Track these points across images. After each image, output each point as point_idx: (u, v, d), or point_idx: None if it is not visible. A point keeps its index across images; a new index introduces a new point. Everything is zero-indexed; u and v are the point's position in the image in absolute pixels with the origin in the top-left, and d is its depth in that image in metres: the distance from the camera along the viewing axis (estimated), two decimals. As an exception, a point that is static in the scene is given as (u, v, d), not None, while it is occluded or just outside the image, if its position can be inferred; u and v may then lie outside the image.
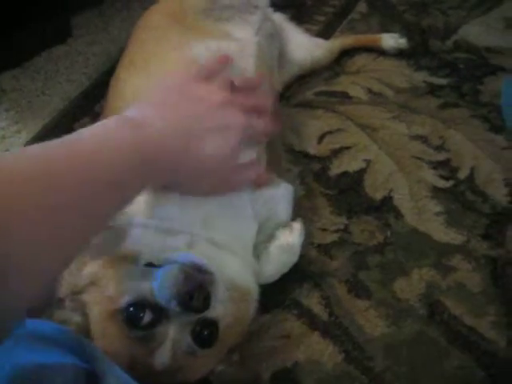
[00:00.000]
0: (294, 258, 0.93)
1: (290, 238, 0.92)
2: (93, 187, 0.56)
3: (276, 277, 0.92)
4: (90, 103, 1.28)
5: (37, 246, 0.50)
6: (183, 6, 1.09)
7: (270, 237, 0.92)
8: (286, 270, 0.93)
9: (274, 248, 0.91)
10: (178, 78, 0.80)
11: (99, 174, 0.58)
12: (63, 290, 0.74)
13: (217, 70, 0.83)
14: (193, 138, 0.71)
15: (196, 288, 0.67)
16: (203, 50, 0.96)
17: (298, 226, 0.94)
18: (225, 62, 0.86)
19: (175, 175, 0.73)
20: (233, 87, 0.81)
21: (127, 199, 0.64)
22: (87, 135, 0.61)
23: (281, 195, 0.96)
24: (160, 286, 0.68)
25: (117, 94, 0.98)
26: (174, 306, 0.67)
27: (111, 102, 0.98)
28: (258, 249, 0.91)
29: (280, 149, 1.17)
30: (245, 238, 0.87)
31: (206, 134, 0.73)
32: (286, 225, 0.94)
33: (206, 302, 0.68)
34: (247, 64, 1.00)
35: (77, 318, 0.72)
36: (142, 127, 0.66)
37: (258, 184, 0.88)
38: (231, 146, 0.76)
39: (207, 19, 1.06)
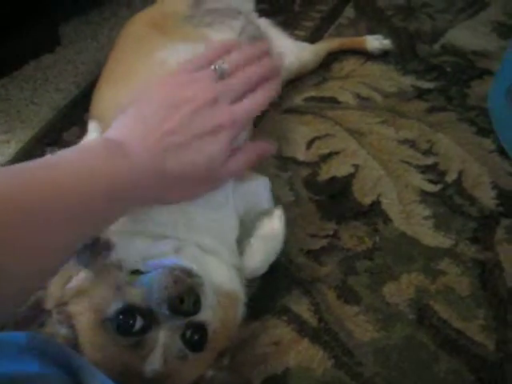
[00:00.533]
0: (279, 246, 0.92)
1: (272, 224, 0.92)
2: (62, 218, 0.56)
3: (264, 269, 0.91)
4: (78, 112, 1.27)
5: None
6: (165, 14, 1.09)
7: (252, 229, 0.92)
8: (272, 258, 0.92)
9: (257, 238, 0.90)
10: (163, 80, 0.76)
11: (69, 205, 0.57)
12: (50, 302, 0.75)
13: (212, 59, 0.77)
14: (177, 154, 0.69)
15: (186, 291, 0.67)
16: (181, 56, 0.96)
17: (277, 211, 0.93)
18: (226, 50, 0.79)
19: (158, 198, 0.72)
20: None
21: (99, 228, 0.66)
22: (62, 163, 0.61)
23: (258, 186, 0.96)
24: (150, 291, 0.68)
25: (98, 105, 0.98)
26: (164, 310, 0.67)
27: (93, 113, 0.99)
28: (242, 244, 0.90)
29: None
30: (228, 238, 0.87)
31: (192, 144, 0.70)
32: (265, 213, 0.94)
33: (197, 306, 0.69)
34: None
35: (63, 330, 0.72)
36: (120, 157, 0.64)
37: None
38: (220, 148, 0.72)
39: (188, 25, 1.07)
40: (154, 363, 0.68)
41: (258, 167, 1.05)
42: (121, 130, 0.69)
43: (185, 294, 0.67)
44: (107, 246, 0.74)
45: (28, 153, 1.19)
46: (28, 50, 1.44)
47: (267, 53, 0.83)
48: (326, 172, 1.17)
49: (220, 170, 0.74)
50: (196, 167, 0.71)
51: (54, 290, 0.75)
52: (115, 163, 0.63)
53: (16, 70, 1.41)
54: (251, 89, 0.77)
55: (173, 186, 0.71)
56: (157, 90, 0.74)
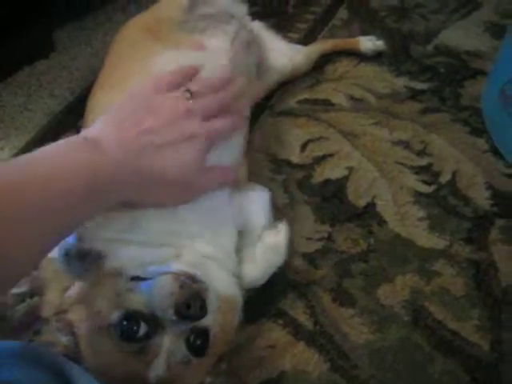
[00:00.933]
0: (281, 259, 0.92)
1: (276, 238, 0.92)
2: (40, 215, 0.59)
3: (264, 279, 0.91)
4: (73, 118, 1.27)
5: None
6: (159, 20, 1.09)
7: (255, 239, 0.92)
8: (272, 271, 0.92)
9: (260, 250, 0.91)
10: (141, 90, 0.79)
11: (47, 201, 0.59)
12: (47, 310, 0.75)
13: (180, 82, 0.82)
14: (151, 154, 0.71)
15: (192, 296, 0.68)
16: (176, 62, 0.96)
17: (283, 226, 0.94)
18: (190, 74, 0.85)
19: (134, 196, 0.74)
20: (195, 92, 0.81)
21: (75, 224, 0.67)
22: (40, 158, 0.63)
23: (257, 198, 0.96)
24: (155, 297, 0.69)
25: (93, 111, 0.98)
26: (170, 315, 0.67)
27: (88, 119, 0.99)
28: (241, 253, 0.91)
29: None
30: (226, 245, 0.87)
31: (167, 147, 0.73)
32: (270, 226, 0.95)
33: (203, 310, 0.69)
34: (221, 74, 1.00)
35: (64, 338, 0.72)
36: (98, 152, 0.67)
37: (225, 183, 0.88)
38: (193, 156, 0.76)
39: (182, 31, 1.07)
40: (158, 369, 0.68)
41: (252, 170, 1.06)
42: (99, 129, 0.72)
43: (191, 299, 0.67)
44: (99, 256, 0.74)
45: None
46: (22, 56, 1.44)
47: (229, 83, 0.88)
48: (320, 174, 1.17)
49: (195, 180, 0.78)
50: (170, 171, 0.73)
51: (52, 297, 0.76)
52: (93, 158, 0.65)
53: (10, 76, 1.41)
54: (217, 113, 0.82)
55: (149, 186, 0.73)
56: (138, 93, 0.78)
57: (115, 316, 0.69)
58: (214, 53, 1.03)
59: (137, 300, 0.70)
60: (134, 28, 1.12)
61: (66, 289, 0.76)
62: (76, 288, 0.75)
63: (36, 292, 0.83)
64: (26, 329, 0.80)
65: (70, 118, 1.29)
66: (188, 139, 0.75)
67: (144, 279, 0.72)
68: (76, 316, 0.73)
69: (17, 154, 1.21)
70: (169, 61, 0.97)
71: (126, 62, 1.02)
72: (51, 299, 0.76)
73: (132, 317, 0.69)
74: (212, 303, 0.73)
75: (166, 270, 0.72)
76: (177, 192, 0.78)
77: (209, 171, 0.80)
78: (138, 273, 0.73)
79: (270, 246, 0.91)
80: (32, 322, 0.79)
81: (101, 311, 0.71)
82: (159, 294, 0.68)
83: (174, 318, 0.67)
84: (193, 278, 0.71)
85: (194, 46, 0.93)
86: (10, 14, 1.34)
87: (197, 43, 0.93)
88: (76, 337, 0.72)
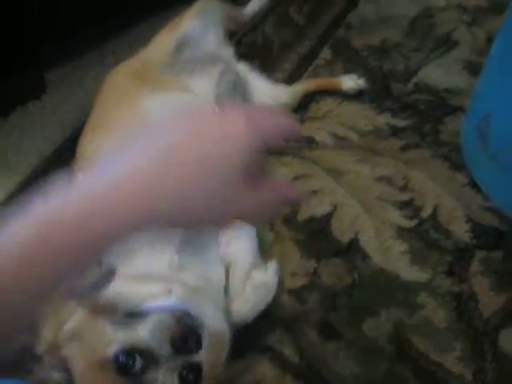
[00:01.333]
0: (270, 296, 0.95)
1: (265, 276, 0.95)
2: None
3: (253, 316, 0.94)
4: (65, 159, 1.28)
5: None
6: (147, 63, 1.13)
7: (243, 276, 0.94)
8: (261, 308, 0.95)
9: (249, 287, 0.93)
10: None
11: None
12: (41, 346, 0.76)
13: None
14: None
15: (189, 331, 0.71)
16: (160, 106, 1.00)
17: (272, 264, 0.97)
18: None
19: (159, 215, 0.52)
20: None
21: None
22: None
23: (243, 236, 0.99)
24: (153, 332, 0.71)
25: (83, 155, 1.01)
26: (167, 349, 0.70)
27: (78, 162, 1.01)
28: (231, 290, 0.93)
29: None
30: (215, 281, 0.90)
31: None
32: (260, 264, 0.97)
33: (199, 344, 0.72)
34: None
35: (57, 375, 0.74)
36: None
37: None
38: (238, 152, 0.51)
39: (169, 73, 1.10)
40: None
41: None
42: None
43: (188, 334, 0.71)
44: (111, 272, 0.77)
45: (14, 201, 1.21)
46: (14, 97, 1.46)
47: None
48: (306, 211, 1.20)
49: (237, 195, 0.53)
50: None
51: (47, 334, 0.77)
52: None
53: (2, 118, 1.43)
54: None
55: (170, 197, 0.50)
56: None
57: (111, 351, 0.71)
58: (199, 94, 1.06)
59: (133, 335, 0.72)
60: (123, 72, 1.16)
61: (61, 325, 0.77)
62: (72, 323, 0.77)
63: (31, 330, 0.85)
64: (21, 367, 0.81)
65: (62, 159, 1.31)
66: (231, 135, 0.51)
67: (139, 315, 0.74)
68: (70, 352, 0.74)
69: (9, 196, 1.23)
70: (155, 104, 1.00)
71: (115, 106, 1.05)
72: (46, 335, 0.78)
73: (128, 352, 0.71)
74: (205, 338, 0.75)
75: (161, 306, 0.74)
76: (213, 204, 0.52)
77: (258, 187, 0.54)
78: (133, 308, 0.75)
79: (259, 284, 0.94)
80: (26, 361, 0.80)
81: (97, 346, 0.73)
82: (156, 329, 0.71)
83: (170, 351, 0.69)
84: (187, 314, 0.74)
85: None
86: (0, 56, 1.38)
87: None
88: (70, 373, 0.73)
